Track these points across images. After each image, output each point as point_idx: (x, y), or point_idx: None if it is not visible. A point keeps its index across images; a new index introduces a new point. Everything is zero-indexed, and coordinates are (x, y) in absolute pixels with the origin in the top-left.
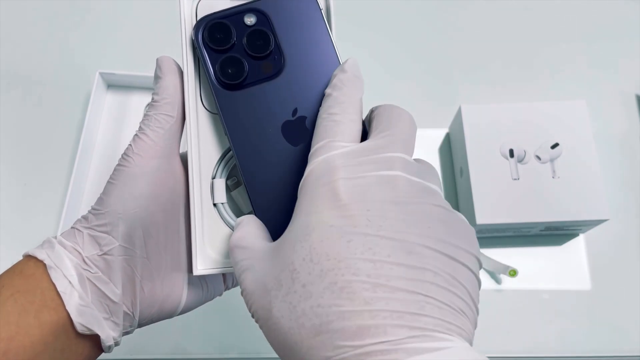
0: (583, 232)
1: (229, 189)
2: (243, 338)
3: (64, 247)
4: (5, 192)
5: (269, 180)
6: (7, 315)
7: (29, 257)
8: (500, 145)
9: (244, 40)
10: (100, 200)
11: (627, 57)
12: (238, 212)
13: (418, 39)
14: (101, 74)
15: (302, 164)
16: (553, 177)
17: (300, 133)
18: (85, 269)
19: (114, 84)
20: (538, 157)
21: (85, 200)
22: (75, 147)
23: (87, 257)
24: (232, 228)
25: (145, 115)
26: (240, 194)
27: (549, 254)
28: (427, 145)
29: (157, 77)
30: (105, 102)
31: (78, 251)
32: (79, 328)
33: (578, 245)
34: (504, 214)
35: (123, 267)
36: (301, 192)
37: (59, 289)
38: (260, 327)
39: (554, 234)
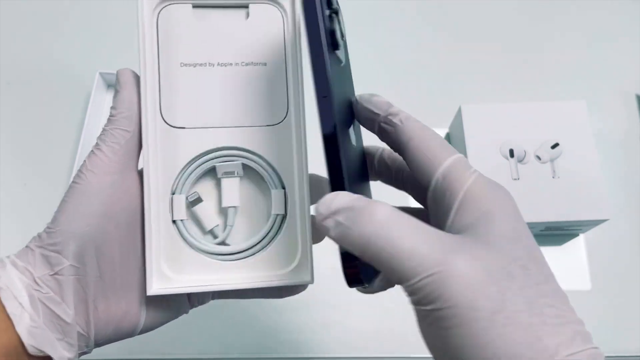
0: (583, 232)
1: (190, 205)
2: (243, 338)
3: (16, 267)
4: (5, 192)
5: (351, 162)
6: None
7: None
8: (500, 145)
9: (340, 16)
10: (53, 219)
11: (627, 57)
12: (200, 229)
13: (418, 38)
14: (101, 74)
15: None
16: (553, 177)
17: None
18: (36, 290)
19: (114, 84)
20: (538, 157)
21: None
22: (75, 147)
23: (38, 277)
24: (191, 245)
25: (102, 129)
26: (201, 209)
27: (549, 254)
28: None
29: (115, 91)
30: (105, 102)
31: (30, 271)
32: (31, 350)
33: (578, 245)
34: None
35: (75, 287)
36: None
37: (8, 311)
38: (468, 319)
39: (554, 234)
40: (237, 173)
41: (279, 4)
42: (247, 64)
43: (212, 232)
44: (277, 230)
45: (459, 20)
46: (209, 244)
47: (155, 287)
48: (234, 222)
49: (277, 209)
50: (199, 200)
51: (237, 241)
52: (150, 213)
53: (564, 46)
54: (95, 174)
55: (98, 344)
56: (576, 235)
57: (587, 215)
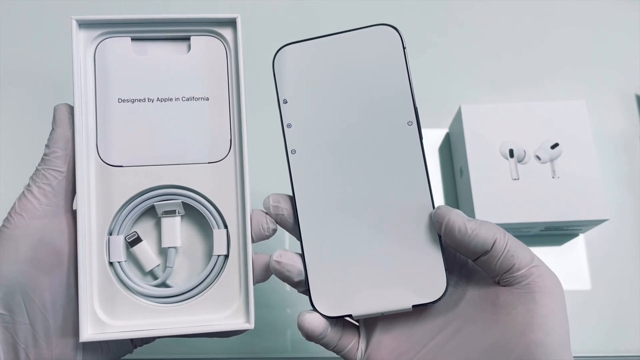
0: (583, 232)
1: (128, 245)
2: (243, 338)
3: None
4: (5, 192)
5: None
6: None
7: None
8: (500, 145)
9: None
10: None
11: (626, 57)
12: (139, 270)
13: (418, 38)
14: None
15: None
16: (553, 177)
17: None
18: None
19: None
20: (538, 157)
21: None
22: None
23: None
24: (129, 288)
25: (35, 169)
26: (140, 250)
27: (549, 254)
28: (427, 145)
29: (51, 128)
30: None
31: None
32: None
33: (578, 245)
34: (503, 214)
35: (4, 334)
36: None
37: None
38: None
39: (554, 234)
40: (178, 212)
41: (221, 35)
42: (188, 99)
43: (152, 273)
44: (219, 272)
45: (459, 20)
46: (148, 287)
47: (88, 334)
48: (174, 263)
49: (218, 249)
50: (138, 240)
51: (178, 282)
52: (84, 255)
53: (564, 46)
54: (23, 217)
55: None
56: (576, 235)
57: (587, 215)
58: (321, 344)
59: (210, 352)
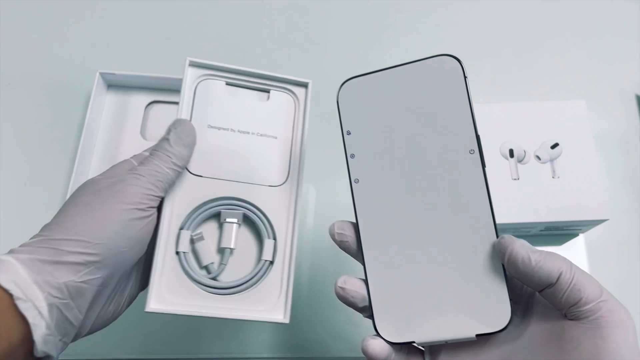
0: (583, 232)
1: (193, 241)
2: (244, 338)
3: (35, 271)
4: (5, 192)
5: None
6: None
7: None
8: (500, 145)
9: None
10: (90, 232)
11: (626, 57)
12: (197, 263)
13: (417, 38)
14: (101, 74)
15: None
16: (553, 177)
17: None
18: (56, 297)
19: (114, 84)
20: (538, 157)
21: None
22: (75, 147)
23: (63, 282)
24: (188, 275)
25: (155, 172)
26: (202, 247)
27: None
28: None
29: (181, 144)
30: (105, 102)
31: (54, 276)
32: (40, 354)
33: (578, 245)
34: (503, 214)
35: (93, 296)
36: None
37: (31, 321)
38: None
39: (554, 234)
40: (238, 221)
41: (294, 93)
42: (261, 135)
43: (206, 268)
44: (264, 274)
45: (459, 20)
46: (203, 277)
47: (152, 306)
48: (227, 261)
49: (266, 255)
50: (201, 238)
51: (228, 279)
52: (160, 243)
53: (564, 46)
54: (140, 210)
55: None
56: (576, 235)
57: (587, 215)
58: None
59: (212, 352)
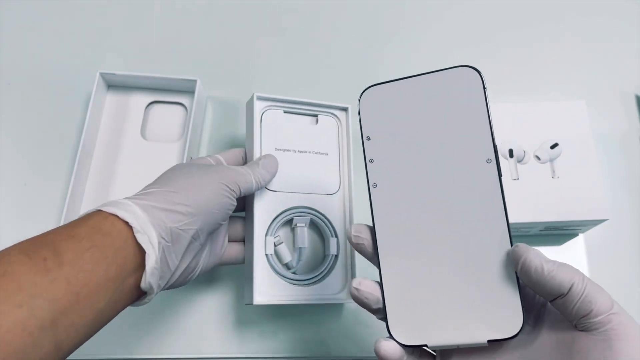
0: (583, 232)
1: (275, 244)
2: (244, 338)
3: (149, 213)
4: (5, 192)
5: None
6: (85, 264)
7: (106, 215)
8: (499, 145)
9: None
10: (184, 192)
11: (627, 57)
12: (279, 261)
13: (417, 38)
14: (101, 74)
15: None
16: (553, 177)
17: None
18: (163, 238)
19: (114, 84)
20: (538, 157)
21: (85, 200)
22: (75, 147)
23: (169, 227)
24: (276, 273)
25: (255, 163)
26: (281, 248)
27: (549, 254)
28: None
29: (266, 170)
30: (105, 102)
31: (164, 221)
32: (145, 286)
33: (578, 245)
34: None
35: (186, 245)
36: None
37: (147, 251)
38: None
39: (554, 234)
40: (306, 224)
41: (337, 117)
42: (316, 153)
43: (286, 265)
44: (333, 265)
45: (459, 20)
46: (287, 273)
47: (257, 299)
48: (303, 258)
49: (332, 250)
50: (280, 241)
51: (304, 272)
52: (256, 250)
53: (564, 46)
54: (228, 190)
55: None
56: (576, 235)
57: (587, 215)
58: None
59: (212, 352)
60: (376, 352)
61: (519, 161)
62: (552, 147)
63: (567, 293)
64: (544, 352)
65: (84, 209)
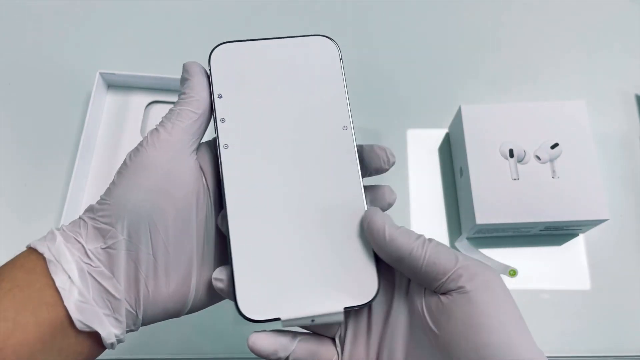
0: (583, 232)
1: None
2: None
3: (66, 239)
4: (5, 192)
5: None
6: (4, 311)
7: (30, 250)
8: (500, 145)
9: None
10: (107, 191)
11: (626, 57)
12: None
13: (417, 38)
14: (101, 74)
15: None
16: (553, 177)
17: None
18: (86, 263)
19: (114, 84)
20: (538, 157)
21: (85, 200)
22: (75, 147)
23: (89, 249)
24: None
25: (169, 110)
26: None
27: (549, 254)
28: (427, 145)
29: (184, 79)
30: (105, 102)
31: (81, 243)
32: (79, 325)
33: (578, 245)
34: (503, 214)
35: (126, 262)
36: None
37: (57, 285)
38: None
39: (554, 234)
40: None
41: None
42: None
43: None
44: None
45: (459, 20)
46: None
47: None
48: None
49: None
50: None
51: None
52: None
53: (564, 46)
54: (156, 148)
55: (145, 323)
56: (576, 235)
57: (587, 215)
58: None
59: (212, 352)
60: (249, 348)
61: (519, 161)
62: (553, 147)
63: (407, 258)
64: (416, 318)
65: (84, 208)
